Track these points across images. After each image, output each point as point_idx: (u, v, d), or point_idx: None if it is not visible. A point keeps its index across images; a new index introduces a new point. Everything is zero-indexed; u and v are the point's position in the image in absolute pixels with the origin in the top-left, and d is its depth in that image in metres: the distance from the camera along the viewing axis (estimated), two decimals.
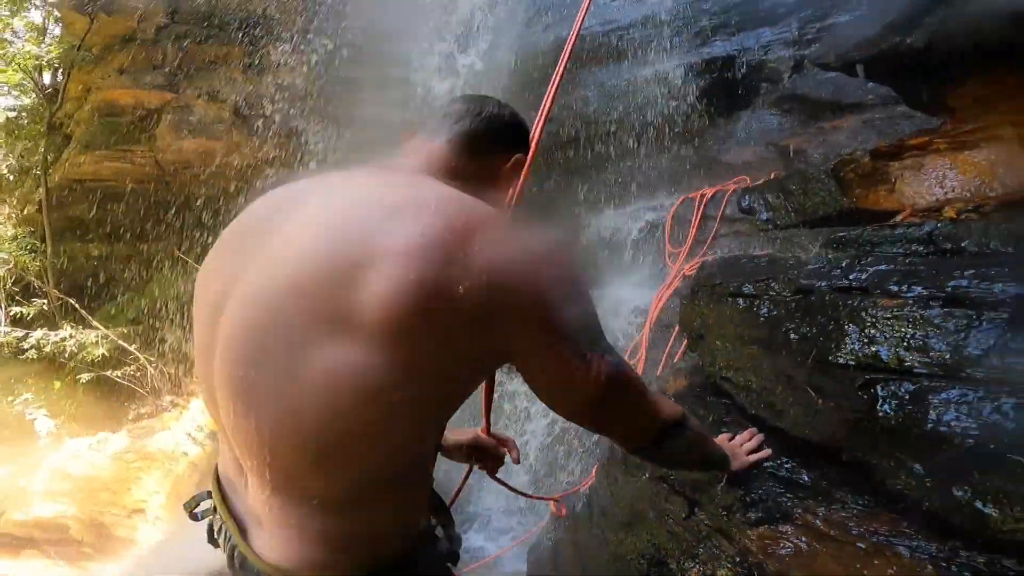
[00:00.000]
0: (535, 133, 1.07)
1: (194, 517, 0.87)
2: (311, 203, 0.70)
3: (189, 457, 6.38)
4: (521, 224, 0.71)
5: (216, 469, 0.84)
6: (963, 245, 1.44)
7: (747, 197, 2.85)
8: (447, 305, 0.60)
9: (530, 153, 0.96)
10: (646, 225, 4.12)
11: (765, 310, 1.53)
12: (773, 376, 1.45)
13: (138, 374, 5.95)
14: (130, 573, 5.82)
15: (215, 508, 0.82)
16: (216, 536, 0.83)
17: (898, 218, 1.96)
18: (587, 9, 1.23)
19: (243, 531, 0.75)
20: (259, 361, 0.63)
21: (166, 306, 6.12)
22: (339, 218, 0.66)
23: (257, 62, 6.63)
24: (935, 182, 1.89)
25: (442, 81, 5.41)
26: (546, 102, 1.12)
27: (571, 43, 1.16)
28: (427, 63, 5.54)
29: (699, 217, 3.45)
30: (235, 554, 0.75)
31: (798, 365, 1.39)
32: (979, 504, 1.02)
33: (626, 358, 3.18)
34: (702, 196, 3.59)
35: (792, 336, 1.43)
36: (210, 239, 5.73)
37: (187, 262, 5.96)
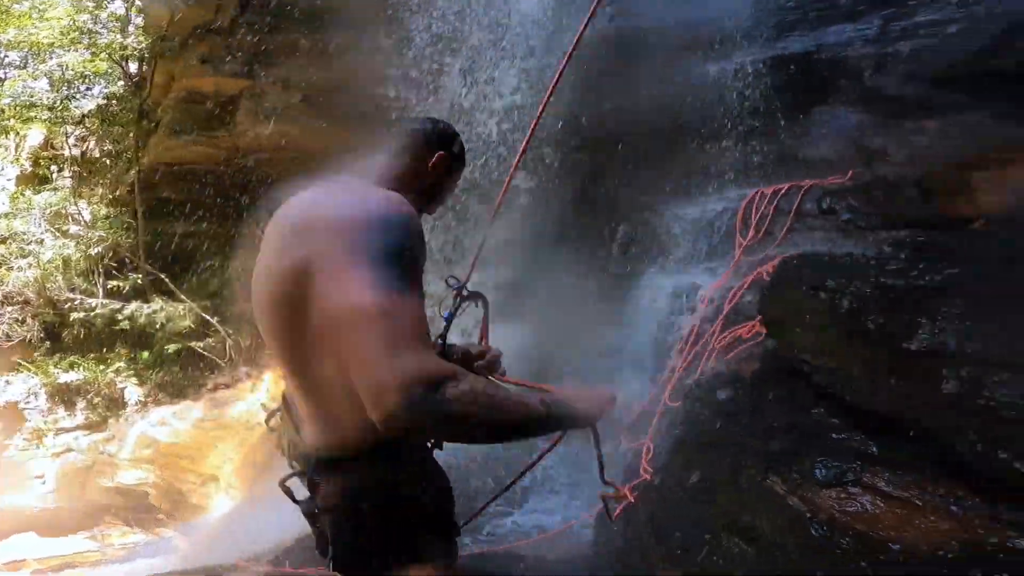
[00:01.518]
0: (533, 124, 1.48)
1: (286, 491, 1.17)
2: (281, 218, 1.09)
3: (263, 426, 6.98)
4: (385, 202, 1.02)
5: (283, 393, 1.24)
6: None
7: (828, 198, 3.12)
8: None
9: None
10: (716, 216, 4.39)
11: (846, 303, 1.86)
12: (851, 360, 1.79)
13: (217, 346, 6.64)
14: (198, 540, 6.48)
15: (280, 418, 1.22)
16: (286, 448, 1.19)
17: (974, 225, 2.23)
18: (594, 11, 1.46)
19: (298, 430, 1.15)
20: (272, 325, 1.07)
21: (242, 281, 6.72)
22: (288, 231, 1.06)
23: (325, 50, 7.08)
24: (1011, 193, 2.15)
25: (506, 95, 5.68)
26: (547, 94, 1.45)
27: (575, 42, 1.40)
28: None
29: (772, 212, 3.71)
30: (291, 444, 1.16)
31: (875, 351, 1.72)
32: (1018, 465, 1.34)
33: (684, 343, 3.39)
34: (775, 191, 3.85)
35: (870, 326, 1.76)
36: None
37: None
